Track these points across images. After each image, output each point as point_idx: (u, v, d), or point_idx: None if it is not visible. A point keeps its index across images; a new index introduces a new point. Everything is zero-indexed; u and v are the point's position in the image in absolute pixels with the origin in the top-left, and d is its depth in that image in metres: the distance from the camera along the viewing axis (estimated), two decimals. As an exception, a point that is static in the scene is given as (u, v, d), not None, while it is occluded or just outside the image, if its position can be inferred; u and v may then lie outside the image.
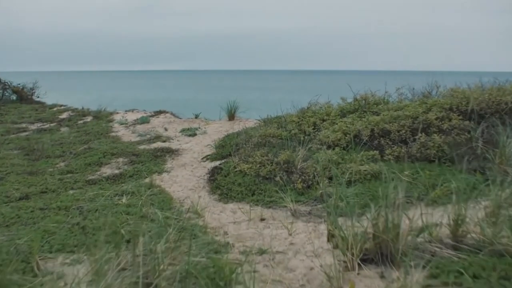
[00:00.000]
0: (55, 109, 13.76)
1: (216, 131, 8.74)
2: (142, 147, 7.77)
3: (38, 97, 17.37)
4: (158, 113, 11.32)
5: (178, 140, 8.19)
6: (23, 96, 16.60)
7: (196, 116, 10.72)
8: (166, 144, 7.85)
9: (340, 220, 3.49)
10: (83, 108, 13.21)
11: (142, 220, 4.32)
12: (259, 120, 8.59)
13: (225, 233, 3.96)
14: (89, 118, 11.64)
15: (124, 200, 4.99)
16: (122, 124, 10.34)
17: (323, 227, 3.86)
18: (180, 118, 10.87)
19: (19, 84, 17.24)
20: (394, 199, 3.58)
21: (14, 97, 16.74)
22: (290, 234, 3.79)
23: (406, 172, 4.76)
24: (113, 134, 9.26)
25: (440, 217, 3.40)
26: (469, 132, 5.13)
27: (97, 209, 4.79)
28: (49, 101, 16.87)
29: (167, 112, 11.34)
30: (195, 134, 8.44)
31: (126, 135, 9.12)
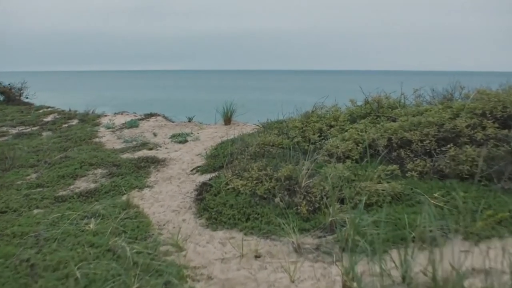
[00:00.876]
0: (41, 111, 12.91)
1: (210, 137, 7.87)
2: (125, 155, 6.90)
3: (27, 97, 16.50)
4: (149, 116, 10.45)
5: (166, 148, 7.32)
6: (11, 96, 15.74)
7: (190, 120, 9.85)
8: (152, 153, 6.98)
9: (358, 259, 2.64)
10: (70, 110, 12.36)
11: (107, 255, 3.46)
12: (258, 125, 7.72)
13: (209, 277, 3.09)
14: (75, 121, 10.78)
15: (92, 225, 4.13)
16: (108, 128, 9.48)
17: (335, 271, 2.98)
18: (173, 122, 9.99)
19: (9, 84, 16.40)
20: (430, 237, 2.72)
21: (1, 97, 15.90)
22: (293, 281, 2.92)
23: (435, 194, 3.89)
24: (96, 140, 8.39)
25: (496, 262, 2.53)
26: (508, 143, 4.24)
27: (58, 237, 3.93)
28: (39, 102, 16.01)
29: (159, 115, 10.46)
30: (186, 141, 7.57)
31: (110, 141, 8.26)
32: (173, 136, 8.02)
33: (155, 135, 8.35)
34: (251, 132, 7.34)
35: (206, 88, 53.09)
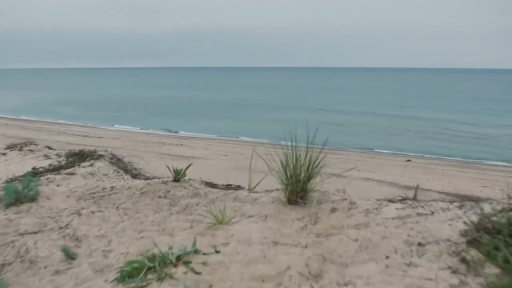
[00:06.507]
0: None
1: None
2: None
3: None
4: (75, 159, 4.12)
5: None
6: None
7: (176, 177, 3.44)
8: None
9: None
10: None
11: None
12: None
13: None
14: None
15: None
16: None
17: None
18: (134, 178, 3.62)
19: None
20: None
21: None
22: None
23: None
24: None
25: None
26: None
27: None
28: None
29: (102, 156, 4.15)
30: None
31: None
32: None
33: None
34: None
35: (210, 88, 47.39)
